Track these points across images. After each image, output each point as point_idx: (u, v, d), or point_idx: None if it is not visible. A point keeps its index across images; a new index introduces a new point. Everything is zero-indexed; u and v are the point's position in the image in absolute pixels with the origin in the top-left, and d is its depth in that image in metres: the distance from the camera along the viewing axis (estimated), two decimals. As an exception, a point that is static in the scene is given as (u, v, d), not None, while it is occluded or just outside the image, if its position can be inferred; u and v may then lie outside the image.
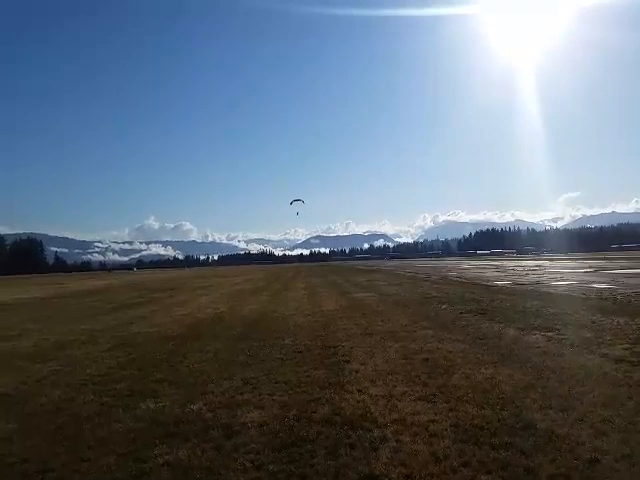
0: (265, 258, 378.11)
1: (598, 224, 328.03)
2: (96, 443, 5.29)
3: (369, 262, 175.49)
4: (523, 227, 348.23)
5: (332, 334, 11.82)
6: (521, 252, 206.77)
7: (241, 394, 6.94)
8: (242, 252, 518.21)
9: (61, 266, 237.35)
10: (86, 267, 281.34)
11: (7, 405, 6.98)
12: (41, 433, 5.73)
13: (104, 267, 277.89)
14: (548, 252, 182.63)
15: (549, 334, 10.43)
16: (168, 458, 4.80)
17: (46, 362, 9.93)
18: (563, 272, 36.06)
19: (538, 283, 25.50)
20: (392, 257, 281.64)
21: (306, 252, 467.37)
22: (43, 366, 9.55)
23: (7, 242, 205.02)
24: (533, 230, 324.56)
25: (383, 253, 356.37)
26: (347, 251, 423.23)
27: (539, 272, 37.42)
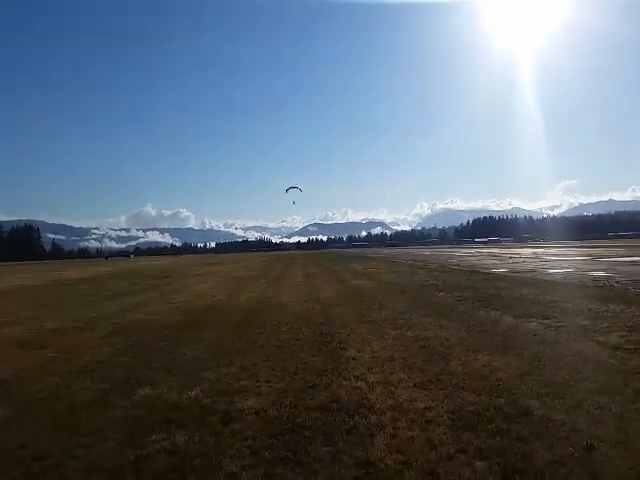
0: (263, 245, 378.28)
1: (595, 212, 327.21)
2: (93, 429, 5.29)
3: (366, 250, 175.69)
4: (520, 215, 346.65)
5: (329, 321, 11.83)
6: (518, 240, 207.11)
7: (238, 381, 6.96)
8: (240, 239, 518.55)
9: (58, 253, 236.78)
10: (83, 254, 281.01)
11: (4, 391, 6.97)
12: (38, 420, 5.73)
13: (101, 254, 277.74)
14: (545, 240, 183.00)
15: (546, 321, 10.45)
16: (165, 444, 4.80)
17: (43, 349, 9.91)
18: (560, 260, 36.14)
19: (535, 271, 25.55)
20: (389, 245, 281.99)
21: (304, 239, 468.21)
22: (40, 353, 9.53)
23: (4, 229, 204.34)
24: (530, 218, 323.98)
25: (381, 241, 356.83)
26: (345, 239, 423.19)
27: (536, 260, 37.49)
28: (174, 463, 4.41)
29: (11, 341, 11.00)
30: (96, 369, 8.04)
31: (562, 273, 23.32)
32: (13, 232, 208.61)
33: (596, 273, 22.25)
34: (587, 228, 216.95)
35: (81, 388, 6.97)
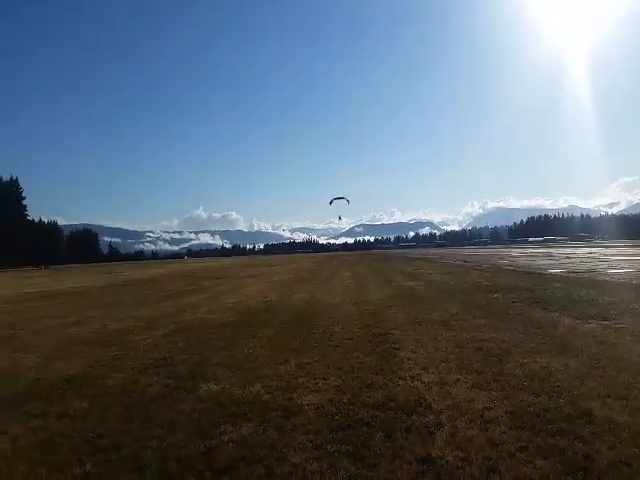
0: (310, 247, 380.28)
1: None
2: (164, 422, 5.61)
3: (415, 250, 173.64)
4: (576, 213, 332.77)
5: (381, 322, 11.89)
6: (574, 239, 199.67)
7: (296, 378, 7.16)
8: (287, 241, 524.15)
9: (115, 255, 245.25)
10: (139, 256, 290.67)
11: (78, 386, 7.41)
12: (111, 412, 6.10)
13: (156, 256, 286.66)
14: (603, 239, 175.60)
15: (605, 323, 10.17)
16: (232, 435, 5.06)
17: (109, 347, 10.39)
18: (619, 260, 34.70)
19: (593, 271, 24.68)
20: (439, 245, 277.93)
21: (350, 241, 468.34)
22: (106, 351, 10.00)
23: (65, 233, 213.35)
24: (587, 216, 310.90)
25: (429, 241, 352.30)
26: (392, 239, 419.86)
27: (594, 260, 36.13)
28: (242, 453, 4.65)
29: (78, 340, 11.51)
30: (161, 365, 8.43)
31: (622, 273, 22.45)
32: (73, 236, 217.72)
33: (659, 273, 21.29)
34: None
35: (148, 383, 7.34)
